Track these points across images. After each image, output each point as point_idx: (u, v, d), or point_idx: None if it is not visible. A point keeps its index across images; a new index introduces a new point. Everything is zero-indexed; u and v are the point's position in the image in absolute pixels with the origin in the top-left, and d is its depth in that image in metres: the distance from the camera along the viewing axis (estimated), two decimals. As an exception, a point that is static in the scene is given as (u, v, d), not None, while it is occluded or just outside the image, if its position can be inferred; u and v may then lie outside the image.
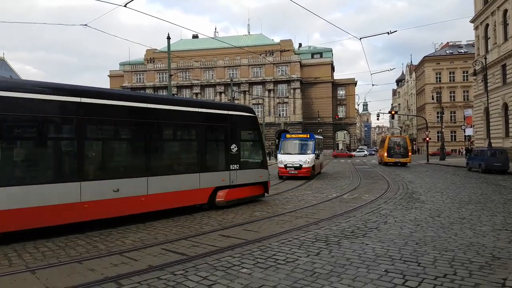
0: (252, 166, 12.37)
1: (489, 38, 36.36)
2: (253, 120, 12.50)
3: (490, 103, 32.84)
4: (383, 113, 66.73)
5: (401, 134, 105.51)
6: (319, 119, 70.90)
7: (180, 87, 73.88)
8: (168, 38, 22.81)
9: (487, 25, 36.55)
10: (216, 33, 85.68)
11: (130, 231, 8.31)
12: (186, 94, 74.75)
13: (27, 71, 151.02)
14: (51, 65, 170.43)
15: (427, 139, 42.77)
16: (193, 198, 10.34)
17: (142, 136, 9.53)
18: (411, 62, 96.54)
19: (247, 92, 71.34)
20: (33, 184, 7.51)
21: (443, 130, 49.11)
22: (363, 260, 5.81)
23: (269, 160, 49.58)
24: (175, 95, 72.16)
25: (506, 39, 32.74)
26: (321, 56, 77.67)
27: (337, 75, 77.21)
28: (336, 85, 76.39)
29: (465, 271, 5.17)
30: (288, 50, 72.52)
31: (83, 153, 8.33)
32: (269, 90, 71.08)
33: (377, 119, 61.83)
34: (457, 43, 74.83)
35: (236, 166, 11.41)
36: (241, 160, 11.68)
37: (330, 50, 78.78)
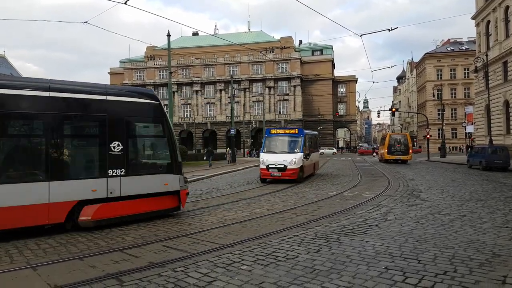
0: (152, 170, 9.30)
1: (491, 34, 36.25)
2: (153, 108, 9.28)
3: (491, 100, 32.79)
4: (384, 110, 66.99)
5: (401, 132, 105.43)
6: (319, 116, 70.88)
7: (180, 84, 73.86)
8: (168, 35, 22.79)
9: (489, 21, 36.44)
10: (216, 30, 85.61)
11: (131, 228, 8.33)
12: (186, 91, 74.77)
13: (27, 68, 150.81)
14: (51, 63, 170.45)
15: (428, 136, 42.74)
16: (34, 217, 7.38)
17: None
18: (412, 59, 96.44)
19: (247, 90, 71.28)
20: None
21: (444, 127, 49.05)
22: (363, 257, 5.83)
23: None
24: (176, 92, 72.23)
25: (507, 35, 32.66)
26: (321, 53, 77.57)
27: (338, 72, 77.03)
28: (336, 82, 76.31)
29: (465, 268, 5.18)
30: (289, 47, 72.54)
31: None
32: (270, 88, 71.01)
33: (378, 116, 61.69)
34: (458, 40, 74.65)
35: (120, 171, 8.39)
36: (131, 162, 8.81)
37: (331, 47, 78.66)
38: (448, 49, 71.66)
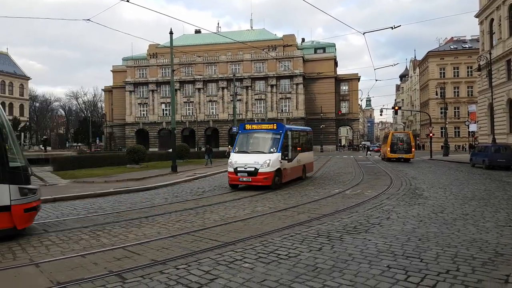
0: None
1: (494, 33, 36.04)
2: None
3: (494, 98, 32.62)
4: (387, 109, 66.94)
5: (404, 130, 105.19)
6: (321, 114, 70.76)
7: (182, 82, 73.89)
8: (171, 33, 22.78)
9: (492, 19, 36.22)
10: (219, 28, 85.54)
11: (133, 225, 8.35)
12: (188, 89, 74.78)
13: (31, 66, 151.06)
14: (54, 60, 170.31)
15: (431, 135, 42.62)
16: None
17: None
18: (415, 57, 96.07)
19: (249, 88, 71.23)
20: None
21: (446, 126, 48.92)
22: (365, 255, 5.81)
23: None
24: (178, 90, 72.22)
25: (511, 34, 32.46)
26: (324, 51, 77.39)
27: (340, 70, 76.81)
28: (339, 80, 76.13)
29: (468, 267, 5.16)
30: (291, 45, 72.45)
31: None
32: (272, 86, 70.94)
33: (380, 114, 61.69)
34: (461, 38, 74.26)
35: None
36: None
37: (333, 45, 78.45)
38: (451, 47, 71.34)
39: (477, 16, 39.56)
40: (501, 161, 23.51)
